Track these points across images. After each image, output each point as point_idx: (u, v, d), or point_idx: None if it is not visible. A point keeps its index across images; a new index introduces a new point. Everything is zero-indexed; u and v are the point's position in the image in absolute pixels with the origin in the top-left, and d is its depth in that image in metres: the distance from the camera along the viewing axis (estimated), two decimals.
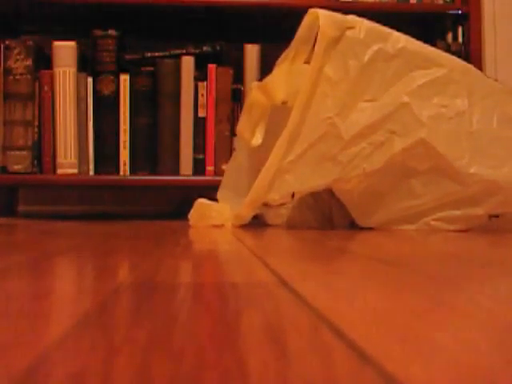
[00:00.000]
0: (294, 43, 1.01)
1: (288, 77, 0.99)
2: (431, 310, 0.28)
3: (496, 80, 1.34)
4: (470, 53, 1.45)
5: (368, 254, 0.56)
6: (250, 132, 1.04)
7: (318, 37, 0.96)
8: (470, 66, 1.03)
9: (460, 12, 1.45)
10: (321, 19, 0.96)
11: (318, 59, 0.95)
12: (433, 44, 1.44)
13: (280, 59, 1.03)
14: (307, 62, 0.98)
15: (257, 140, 1.04)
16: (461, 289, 0.35)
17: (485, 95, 1.00)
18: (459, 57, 1.44)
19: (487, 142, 0.98)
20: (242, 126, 1.06)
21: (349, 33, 0.97)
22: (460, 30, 1.51)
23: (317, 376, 0.18)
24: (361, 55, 0.96)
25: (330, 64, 0.96)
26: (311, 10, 0.99)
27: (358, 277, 0.40)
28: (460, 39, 1.50)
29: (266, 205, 0.99)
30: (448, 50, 1.45)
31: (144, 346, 0.22)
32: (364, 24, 0.98)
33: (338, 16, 0.98)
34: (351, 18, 0.98)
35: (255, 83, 1.09)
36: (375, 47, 0.97)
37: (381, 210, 1.00)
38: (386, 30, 0.99)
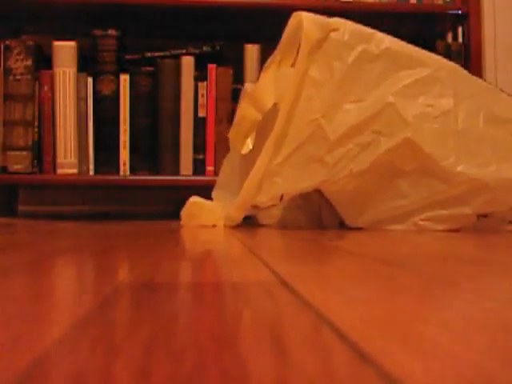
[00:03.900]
0: (279, 47, 1.01)
1: (275, 81, 0.99)
2: (431, 309, 0.28)
3: (496, 80, 1.34)
4: (470, 53, 1.45)
5: (366, 253, 0.57)
6: (241, 141, 1.05)
7: (302, 40, 0.96)
8: (456, 66, 1.03)
9: (460, 12, 1.45)
10: (304, 22, 0.96)
11: (302, 62, 0.95)
12: (433, 44, 1.45)
13: (267, 63, 1.03)
14: (294, 64, 0.98)
15: (247, 148, 1.05)
16: (459, 288, 0.35)
17: (471, 94, 1.00)
18: (459, 57, 1.44)
19: (473, 141, 0.97)
20: (233, 135, 1.06)
21: (333, 35, 0.97)
22: (460, 30, 1.51)
23: (317, 376, 0.18)
24: (345, 56, 0.96)
25: (315, 66, 0.96)
26: (295, 13, 0.99)
27: (357, 276, 0.40)
28: (460, 39, 1.50)
29: (255, 207, 0.99)
30: (448, 50, 1.45)
31: (144, 346, 0.22)
32: (348, 25, 0.98)
33: (322, 18, 0.98)
34: (335, 20, 0.99)
35: (247, 86, 1.09)
36: (359, 48, 0.97)
37: (369, 211, 1.00)
38: (370, 30, 0.99)
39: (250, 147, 1.06)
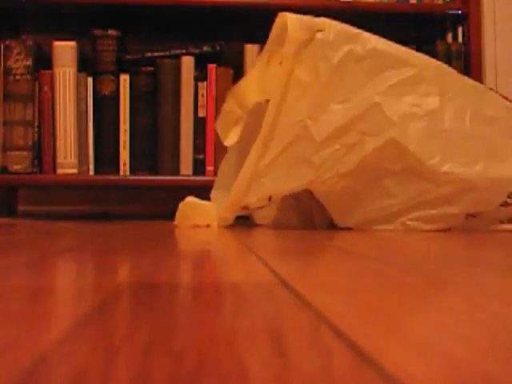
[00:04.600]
0: (267, 45, 1.01)
1: (262, 78, 0.99)
2: (430, 309, 0.28)
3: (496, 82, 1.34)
4: (470, 53, 1.45)
5: (365, 253, 0.57)
6: (225, 133, 1.05)
7: (287, 41, 0.96)
8: (443, 65, 1.03)
9: (460, 12, 1.45)
10: (289, 23, 0.96)
11: (287, 63, 0.96)
12: (433, 44, 1.45)
13: (255, 61, 1.04)
14: (281, 64, 0.98)
15: (229, 141, 1.05)
16: (457, 288, 0.35)
17: (457, 94, 1.00)
18: (459, 57, 1.44)
19: (460, 140, 0.97)
20: (219, 127, 1.07)
21: (319, 35, 0.97)
22: (460, 30, 1.51)
23: (317, 376, 0.18)
24: (331, 57, 0.97)
25: (301, 67, 0.96)
26: (280, 14, 0.99)
27: (357, 276, 0.40)
28: (460, 39, 1.50)
29: (245, 208, 1.00)
30: (448, 49, 1.45)
31: (144, 346, 0.22)
32: (333, 26, 0.98)
33: (308, 19, 0.98)
34: (321, 20, 0.99)
35: (233, 87, 1.09)
36: (345, 49, 0.97)
37: (358, 211, 1.01)
38: (356, 30, 0.99)
39: (234, 141, 1.05)
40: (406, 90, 0.97)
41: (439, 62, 1.04)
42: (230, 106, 1.03)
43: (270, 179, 0.97)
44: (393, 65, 0.98)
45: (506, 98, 1.03)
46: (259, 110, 1.00)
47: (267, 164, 0.97)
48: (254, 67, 1.03)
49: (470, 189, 0.96)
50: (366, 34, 0.99)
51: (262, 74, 1.00)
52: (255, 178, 0.97)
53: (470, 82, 1.04)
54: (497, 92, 1.04)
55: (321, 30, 0.97)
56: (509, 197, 0.97)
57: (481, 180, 0.96)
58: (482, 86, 1.05)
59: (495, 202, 0.97)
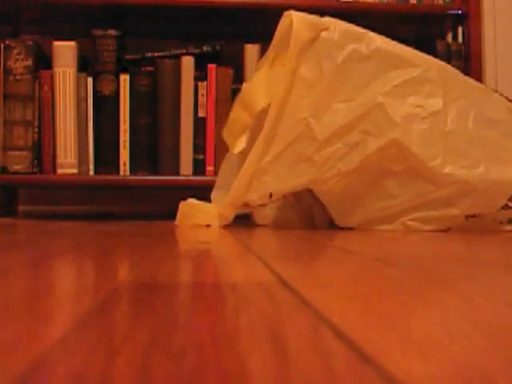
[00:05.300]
0: (272, 46, 1.01)
1: (268, 81, 0.99)
2: (430, 309, 0.29)
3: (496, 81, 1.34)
4: (470, 53, 1.45)
5: (365, 253, 0.57)
6: (233, 141, 1.05)
7: (292, 39, 0.96)
8: (447, 66, 1.03)
9: (460, 12, 1.45)
10: (294, 21, 0.96)
11: (292, 61, 0.96)
12: (433, 44, 1.45)
13: (260, 63, 1.03)
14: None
15: (237, 148, 1.05)
16: (457, 288, 0.35)
17: (461, 95, 0.99)
18: (459, 57, 1.44)
19: (462, 141, 0.97)
20: (226, 135, 1.07)
21: (323, 34, 0.97)
22: (460, 29, 1.51)
23: (317, 376, 0.18)
24: (335, 56, 0.97)
25: (305, 65, 0.96)
26: (286, 13, 0.99)
27: (356, 276, 0.40)
28: (460, 39, 1.50)
29: (246, 205, 1.00)
30: (448, 49, 1.45)
31: (144, 346, 0.22)
32: (338, 25, 0.98)
33: (313, 17, 0.98)
34: (326, 19, 0.99)
35: (245, 86, 1.08)
36: (350, 48, 0.97)
37: (359, 210, 1.01)
38: (361, 30, 0.99)
39: (240, 149, 1.06)
40: (410, 91, 0.97)
41: (443, 63, 1.03)
42: (237, 113, 1.03)
43: (271, 177, 0.97)
44: (397, 65, 0.98)
45: (510, 101, 1.03)
46: (261, 110, 1.00)
47: (269, 161, 0.97)
48: (258, 69, 1.03)
49: (471, 191, 0.96)
50: (371, 34, 0.99)
51: (267, 76, 1.00)
52: (256, 175, 0.97)
53: (474, 83, 1.04)
54: (501, 94, 1.04)
55: (326, 29, 0.97)
56: (510, 200, 0.97)
57: (482, 182, 0.96)
58: (486, 87, 1.05)
59: (496, 204, 0.97)
